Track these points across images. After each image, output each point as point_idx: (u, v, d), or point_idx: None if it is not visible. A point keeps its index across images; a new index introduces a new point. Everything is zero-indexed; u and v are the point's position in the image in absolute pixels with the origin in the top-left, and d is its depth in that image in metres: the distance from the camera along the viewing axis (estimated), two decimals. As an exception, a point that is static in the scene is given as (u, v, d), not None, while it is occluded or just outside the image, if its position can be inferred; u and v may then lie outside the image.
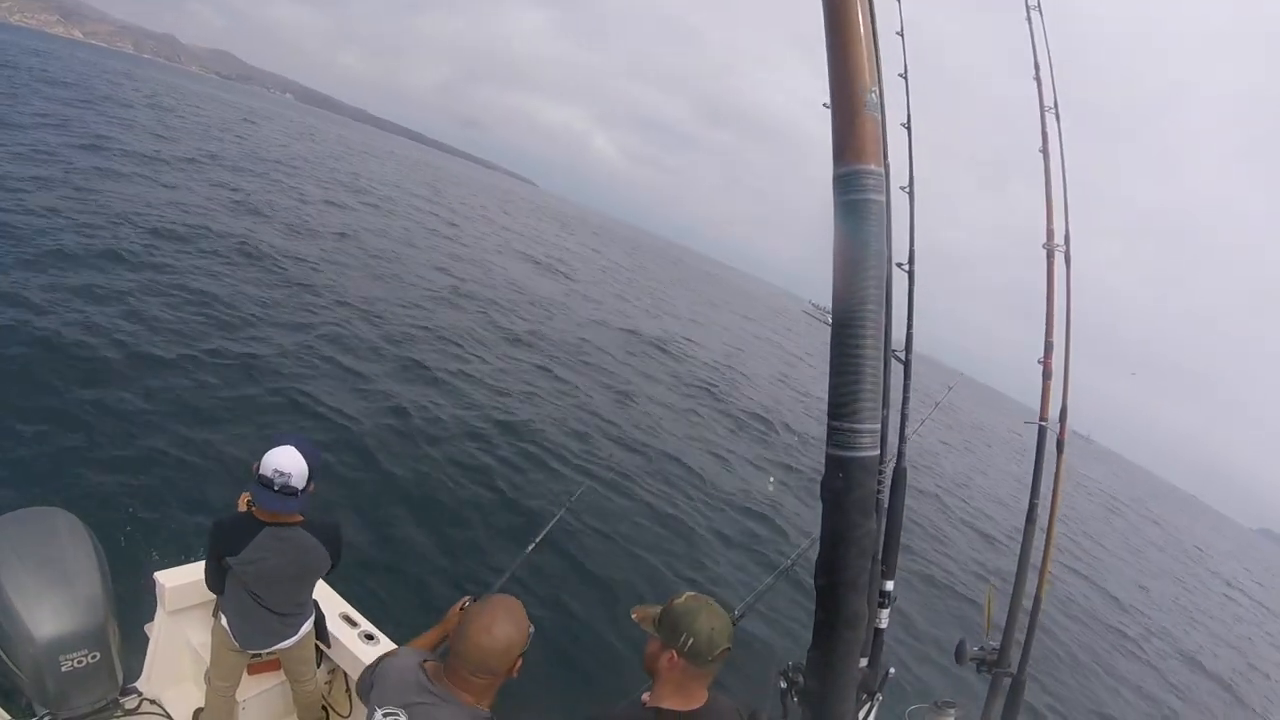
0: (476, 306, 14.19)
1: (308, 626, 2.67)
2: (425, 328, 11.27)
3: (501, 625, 1.61)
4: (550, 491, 7.03)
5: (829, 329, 0.95)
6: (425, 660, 1.71)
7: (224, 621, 2.50)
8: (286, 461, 2.27)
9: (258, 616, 2.47)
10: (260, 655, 2.81)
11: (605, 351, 14.52)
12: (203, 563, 2.73)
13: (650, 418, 11.17)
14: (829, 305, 0.95)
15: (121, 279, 8.45)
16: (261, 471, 2.27)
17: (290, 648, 2.63)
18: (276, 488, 2.25)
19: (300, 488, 2.29)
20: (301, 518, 2.41)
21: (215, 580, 2.47)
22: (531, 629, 1.69)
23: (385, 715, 1.65)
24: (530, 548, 2.74)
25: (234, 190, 16.12)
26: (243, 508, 2.52)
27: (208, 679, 2.67)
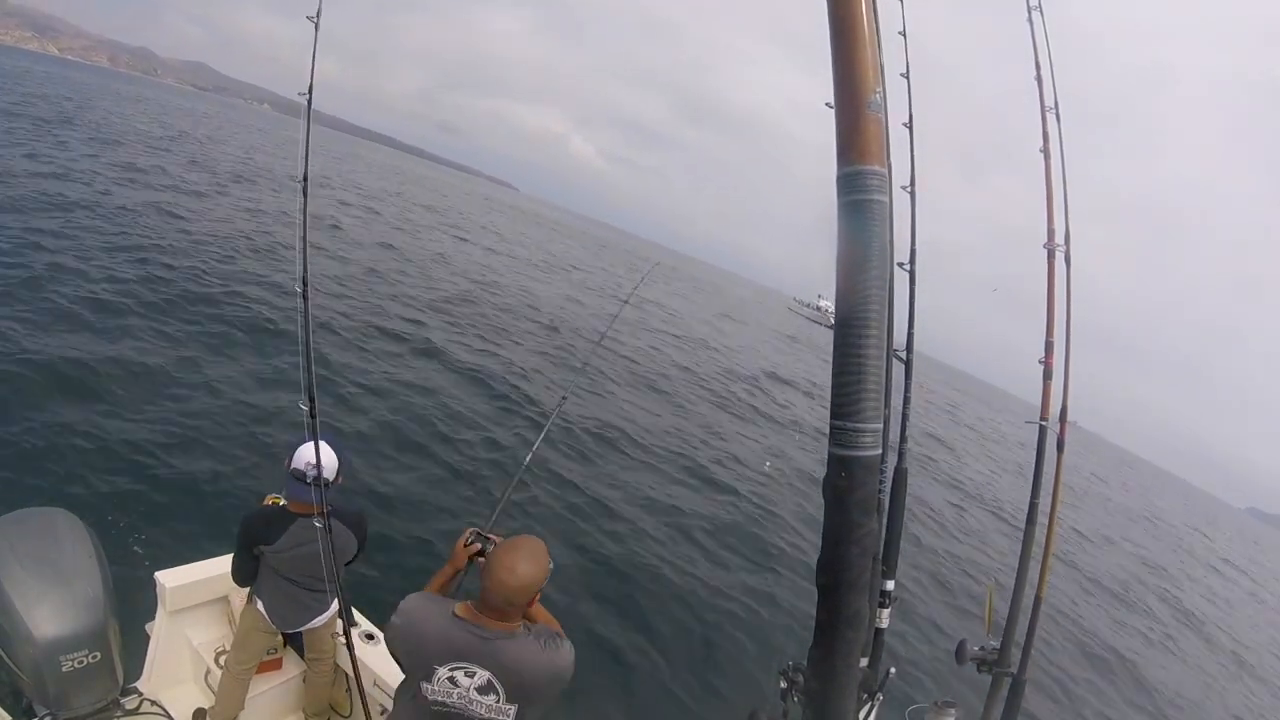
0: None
1: (336, 604, 2.75)
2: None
3: (524, 565, 1.76)
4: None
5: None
6: (452, 609, 1.80)
7: (260, 605, 2.60)
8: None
9: (294, 595, 2.60)
10: (276, 650, 2.88)
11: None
12: (204, 562, 2.76)
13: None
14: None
15: (128, 274, 8.44)
16: (294, 466, 2.43)
17: (320, 626, 2.75)
18: (309, 480, 2.35)
19: (331, 479, 2.41)
20: (330, 507, 2.47)
21: (245, 573, 2.58)
22: (551, 565, 1.84)
23: (455, 670, 1.73)
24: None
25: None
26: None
27: (215, 673, 2.70)
